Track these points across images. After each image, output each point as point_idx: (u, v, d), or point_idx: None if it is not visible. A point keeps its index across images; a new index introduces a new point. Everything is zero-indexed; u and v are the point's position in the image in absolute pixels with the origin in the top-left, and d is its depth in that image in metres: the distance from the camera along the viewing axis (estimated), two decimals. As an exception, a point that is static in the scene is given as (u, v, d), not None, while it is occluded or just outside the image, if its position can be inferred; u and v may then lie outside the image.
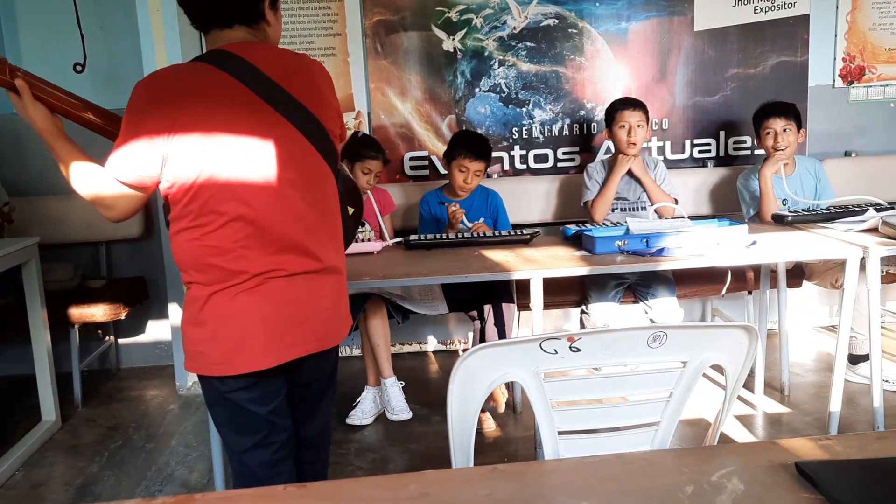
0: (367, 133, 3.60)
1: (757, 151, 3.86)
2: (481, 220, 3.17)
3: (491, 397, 3.01)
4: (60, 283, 3.50)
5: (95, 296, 3.45)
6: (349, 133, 3.40)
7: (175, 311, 3.57)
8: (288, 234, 1.59)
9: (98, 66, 3.70)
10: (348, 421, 3.12)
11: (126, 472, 2.83)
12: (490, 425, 3.02)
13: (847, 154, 3.90)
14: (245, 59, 1.56)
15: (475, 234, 2.86)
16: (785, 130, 3.21)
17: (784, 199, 3.24)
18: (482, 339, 3.05)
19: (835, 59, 3.87)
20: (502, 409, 3.06)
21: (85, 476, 2.80)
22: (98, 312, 3.36)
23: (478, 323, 3.10)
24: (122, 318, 3.47)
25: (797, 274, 3.33)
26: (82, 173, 1.60)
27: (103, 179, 1.58)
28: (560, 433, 1.33)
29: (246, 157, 1.54)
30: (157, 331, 3.96)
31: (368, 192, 3.17)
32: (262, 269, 1.57)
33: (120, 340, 3.98)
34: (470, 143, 3.16)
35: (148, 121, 1.51)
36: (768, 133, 3.25)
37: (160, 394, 3.61)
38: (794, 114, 3.25)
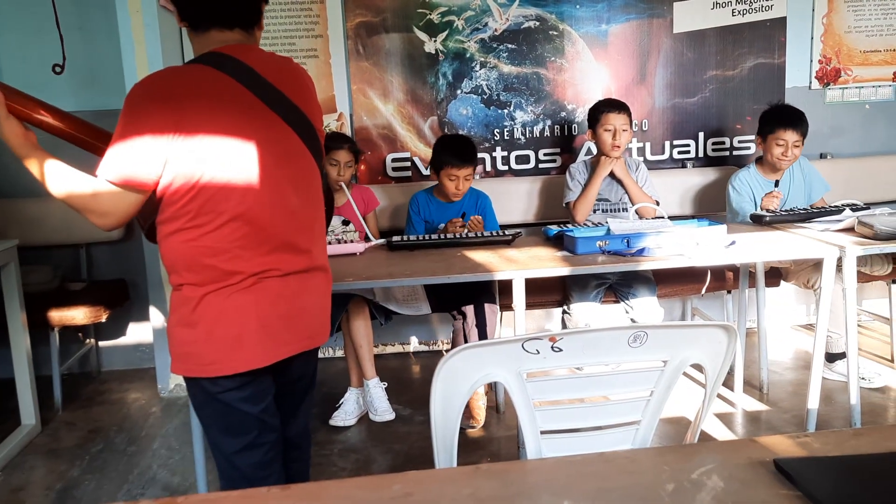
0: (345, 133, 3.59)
1: (737, 152, 3.91)
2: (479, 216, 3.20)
3: (470, 415, 2.99)
4: (40, 286, 3.47)
5: (76, 298, 3.42)
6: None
7: (157, 314, 3.55)
8: (283, 233, 1.62)
9: (77, 67, 3.68)
10: (331, 422, 3.12)
11: (107, 475, 2.80)
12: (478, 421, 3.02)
13: (823, 156, 3.95)
14: (242, 61, 1.59)
15: (458, 235, 2.86)
16: (795, 145, 3.20)
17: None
18: (465, 340, 3.05)
19: (811, 61, 3.92)
20: (480, 423, 3.03)
21: (66, 480, 2.78)
22: (78, 315, 3.33)
23: (458, 323, 3.11)
24: (103, 320, 3.44)
25: (775, 274, 3.37)
26: (69, 182, 1.55)
27: (95, 186, 1.53)
28: (542, 433, 1.35)
29: (247, 157, 1.57)
30: (138, 333, 3.94)
31: (346, 189, 3.16)
32: (257, 270, 1.59)
33: (101, 343, 3.94)
34: (455, 150, 3.14)
35: (151, 120, 1.50)
36: (779, 144, 3.21)
37: (142, 396, 3.58)
38: (806, 128, 3.23)
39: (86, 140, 1.69)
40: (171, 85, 1.53)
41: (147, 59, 3.32)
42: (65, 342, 3.66)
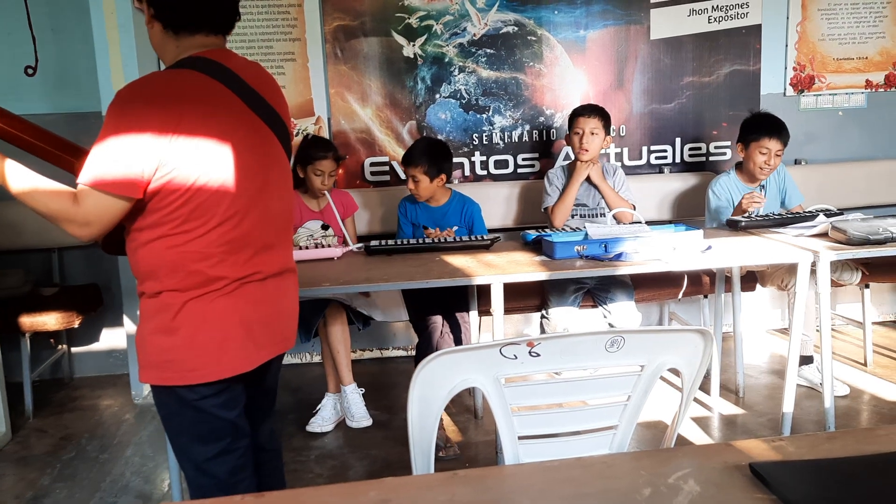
0: (318, 135, 3.56)
1: (714, 158, 3.94)
2: (454, 228, 3.18)
3: (448, 442, 2.92)
4: (11, 291, 3.41)
5: (47, 303, 3.37)
6: (300, 137, 3.40)
7: (130, 319, 3.50)
8: (264, 236, 1.64)
9: (50, 69, 3.62)
10: (308, 428, 3.09)
11: (79, 483, 2.76)
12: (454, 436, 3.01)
13: (797, 162, 4.00)
14: (226, 66, 1.59)
15: (435, 240, 2.86)
16: (777, 154, 3.22)
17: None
18: (436, 349, 3.02)
19: (786, 68, 3.97)
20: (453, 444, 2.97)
21: (36, 488, 2.73)
22: (50, 321, 3.28)
23: (432, 331, 3.06)
24: (76, 326, 3.39)
25: (751, 278, 3.40)
26: (45, 192, 1.49)
27: (75, 193, 1.48)
28: (520, 438, 1.34)
29: (237, 161, 1.57)
30: (111, 339, 3.88)
31: (327, 194, 3.15)
32: (241, 275, 1.59)
33: (73, 349, 3.88)
34: (407, 150, 3.16)
35: (144, 124, 1.47)
36: (763, 152, 3.22)
37: (115, 403, 3.53)
38: (787, 137, 3.25)
39: (46, 149, 1.63)
40: (166, 90, 1.51)
41: (121, 61, 3.28)
42: (36, 348, 3.60)
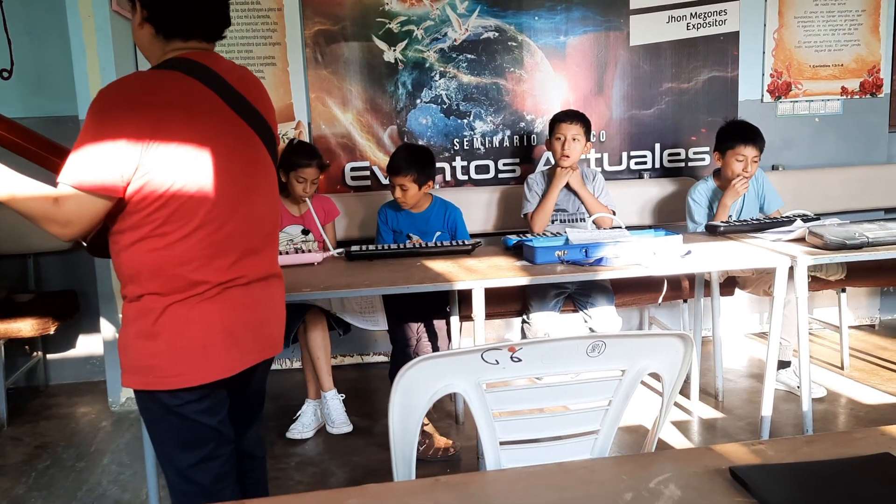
0: (303, 141, 3.54)
1: (692, 163, 3.97)
2: (437, 233, 3.17)
3: (429, 438, 2.92)
4: (-15, 297, 3.36)
5: (23, 310, 3.32)
6: (284, 142, 3.37)
7: (108, 325, 3.46)
8: (248, 240, 1.63)
9: (25, 72, 3.59)
10: (289, 435, 3.07)
11: (55, 492, 2.72)
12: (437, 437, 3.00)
13: (775, 167, 4.04)
14: (211, 68, 1.59)
15: (417, 245, 2.85)
16: (754, 161, 3.24)
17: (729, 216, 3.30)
18: (414, 356, 3.00)
19: (763, 74, 4.01)
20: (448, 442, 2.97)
21: (10, 498, 2.68)
22: (25, 327, 3.23)
23: (408, 338, 3.05)
24: (52, 332, 3.34)
25: (730, 283, 3.43)
26: (25, 190, 1.47)
27: (56, 192, 1.47)
28: (502, 443, 1.34)
29: (219, 165, 1.56)
30: (88, 345, 3.83)
31: (308, 200, 3.13)
32: (223, 279, 1.58)
33: (49, 356, 3.83)
34: (391, 160, 3.11)
35: (126, 125, 1.46)
36: (739, 160, 3.24)
37: (91, 410, 3.48)
38: (763, 143, 3.26)
39: (30, 149, 1.61)
40: (148, 91, 1.50)
41: (99, 64, 3.25)
42: (11, 355, 3.55)
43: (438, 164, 3.77)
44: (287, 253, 2.80)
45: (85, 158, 1.46)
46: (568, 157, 3.24)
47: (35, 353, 3.78)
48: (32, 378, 3.80)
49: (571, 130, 3.23)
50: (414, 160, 3.06)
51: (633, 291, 3.30)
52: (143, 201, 1.50)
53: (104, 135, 1.45)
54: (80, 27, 3.23)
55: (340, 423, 3.07)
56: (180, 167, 1.50)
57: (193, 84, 1.54)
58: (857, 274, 3.39)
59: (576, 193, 3.31)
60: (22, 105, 3.55)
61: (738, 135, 3.27)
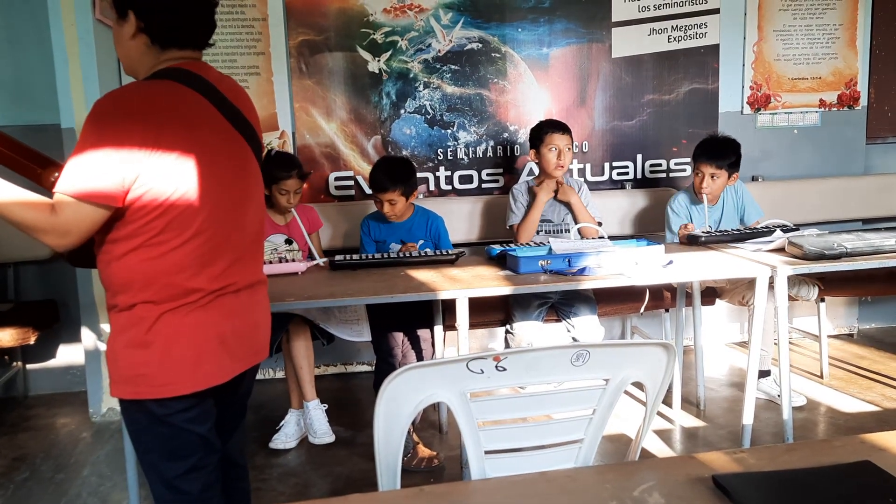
0: (282, 151, 3.51)
1: (674, 174, 4.01)
2: (420, 241, 3.17)
3: (428, 455, 2.91)
4: (-37, 307, 3.33)
5: (2, 320, 3.28)
6: (263, 152, 3.35)
7: (89, 335, 3.42)
8: (239, 248, 1.64)
9: (6, 81, 3.56)
10: (271, 445, 3.05)
11: (33, 505, 2.69)
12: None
13: (754, 178, 4.09)
14: (204, 77, 1.60)
15: (400, 255, 2.85)
16: (713, 177, 3.27)
17: (709, 227, 3.32)
18: (398, 366, 3.01)
19: (743, 87, 4.07)
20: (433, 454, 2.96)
21: (-12, 511, 2.65)
22: (4, 337, 3.19)
23: (392, 348, 3.05)
24: (31, 342, 3.31)
25: (711, 293, 3.46)
26: (19, 200, 1.44)
27: (53, 202, 1.44)
28: (486, 452, 1.34)
29: (215, 174, 1.57)
30: (68, 355, 3.79)
31: (293, 210, 3.12)
32: (216, 287, 1.58)
33: (28, 366, 3.78)
34: (375, 177, 3.08)
35: (126, 134, 1.45)
36: (697, 174, 3.31)
37: (71, 422, 3.44)
38: (730, 161, 3.28)
39: (10, 156, 1.59)
40: (148, 100, 1.50)
41: (81, 73, 3.23)
42: (-11, 366, 3.51)
43: (422, 175, 3.78)
44: (271, 262, 2.78)
45: (85, 167, 1.44)
46: (563, 166, 3.25)
47: (14, 364, 3.73)
48: (11, 389, 3.75)
49: (564, 141, 3.25)
50: (399, 175, 3.05)
51: (615, 301, 3.32)
52: (142, 210, 1.50)
53: (105, 144, 1.44)
54: (62, 36, 3.21)
55: (322, 433, 3.05)
56: (180, 176, 1.51)
57: (191, 94, 1.55)
58: (836, 284, 3.43)
59: (568, 205, 3.30)
60: (2, 113, 3.53)
61: (700, 149, 3.34)
